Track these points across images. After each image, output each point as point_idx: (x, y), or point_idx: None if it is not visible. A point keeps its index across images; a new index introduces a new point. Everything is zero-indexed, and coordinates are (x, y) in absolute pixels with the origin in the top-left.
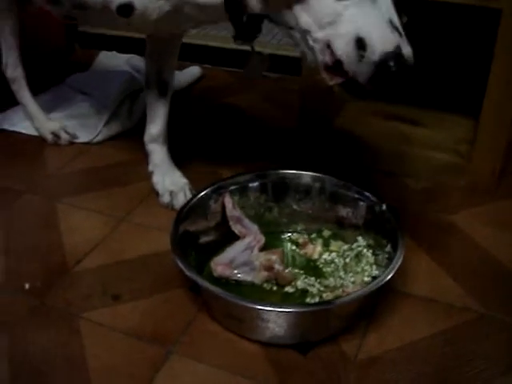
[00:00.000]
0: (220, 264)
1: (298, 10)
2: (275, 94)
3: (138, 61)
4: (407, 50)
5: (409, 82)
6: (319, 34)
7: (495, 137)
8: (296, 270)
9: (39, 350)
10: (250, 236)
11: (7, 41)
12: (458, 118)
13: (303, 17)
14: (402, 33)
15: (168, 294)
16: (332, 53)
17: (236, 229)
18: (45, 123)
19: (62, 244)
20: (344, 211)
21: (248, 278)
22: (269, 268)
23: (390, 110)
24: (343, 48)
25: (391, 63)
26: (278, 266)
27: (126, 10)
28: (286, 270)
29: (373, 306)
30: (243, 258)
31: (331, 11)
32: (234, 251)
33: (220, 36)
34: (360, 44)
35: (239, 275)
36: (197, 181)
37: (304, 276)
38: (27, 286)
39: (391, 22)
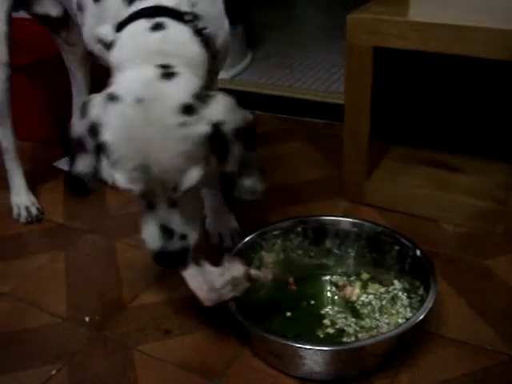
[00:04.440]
0: (206, 292)
1: None
2: (322, 140)
3: None
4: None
5: (450, 129)
6: None
7: None
8: (336, 309)
9: (97, 377)
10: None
11: (79, 89)
12: (498, 163)
13: None
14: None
15: (215, 330)
16: None
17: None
18: None
19: (120, 280)
20: (381, 255)
21: (235, 292)
22: (248, 277)
23: (430, 156)
24: None
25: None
26: (253, 272)
27: None
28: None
29: (405, 346)
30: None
31: None
32: (210, 277)
33: (269, 84)
34: None
35: (229, 294)
36: (244, 223)
37: (343, 316)
38: (87, 318)
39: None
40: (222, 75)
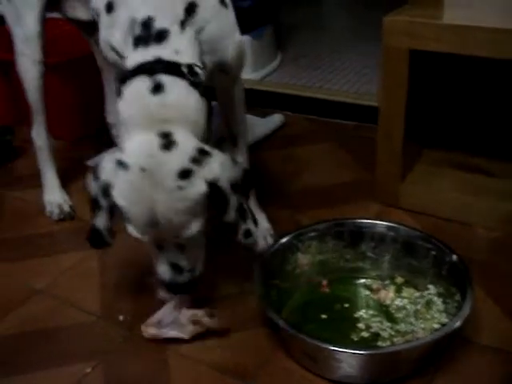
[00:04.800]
0: (149, 325)
1: None
2: (353, 142)
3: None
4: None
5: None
6: None
7: None
8: (370, 313)
9: (131, 376)
10: (175, 299)
11: (111, 89)
12: None
13: None
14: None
15: (249, 331)
16: None
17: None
18: None
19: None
20: (416, 260)
21: (176, 333)
22: (196, 322)
23: (464, 160)
24: None
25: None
26: (206, 319)
27: None
28: (213, 319)
29: (441, 352)
30: (170, 317)
31: None
32: (161, 313)
33: (299, 85)
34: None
35: (169, 332)
36: (275, 225)
37: (378, 320)
38: (121, 317)
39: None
40: (252, 76)
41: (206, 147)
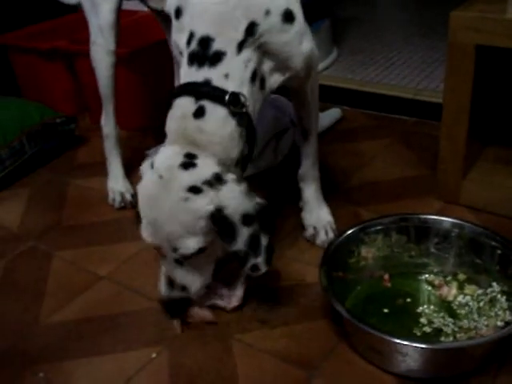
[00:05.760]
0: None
1: None
2: (412, 137)
3: (281, 102)
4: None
5: None
6: None
7: None
8: (432, 308)
9: (196, 363)
10: None
11: (178, 79)
12: None
13: None
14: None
15: (312, 322)
16: None
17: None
18: None
19: None
20: (480, 257)
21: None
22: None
23: None
24: None
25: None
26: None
27: None
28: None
29: (505, 350)
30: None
31: None
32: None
33: (357, 79)
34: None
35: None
36: (338, 219)
37: (440, 316)
38: None
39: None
40: None
41: (226, 176)
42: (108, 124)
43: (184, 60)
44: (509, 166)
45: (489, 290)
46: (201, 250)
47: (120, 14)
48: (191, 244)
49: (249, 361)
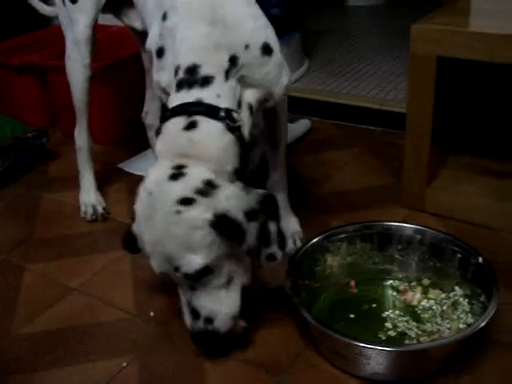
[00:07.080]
0: None
1: None
2: (378, 147)
3: None
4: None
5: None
6: None
7: None
8: (397, 313)
9: (166, 371)
10: None
11: (151, 91)
12: None
13: None
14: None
15: (280, 328)
16: None
17: None
18: None
19: None
20: (442, 262)
21: None
22: None
23: (489, 165)
24: None
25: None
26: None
27: None
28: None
29: (467, 352)
30: None
31: None
32: None
33: (327, 91)
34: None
35: None
36: (304, 227)
37: (405, 320)
38: (152, 314)
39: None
40: None
41: (217, 181)
42: (81, 137)
43: (171, 92)
44: (471, 172)
45: (452, 294)
46: (208, 269)
47: (96, 28)
48: (192, 260)
49: (217, 367)
